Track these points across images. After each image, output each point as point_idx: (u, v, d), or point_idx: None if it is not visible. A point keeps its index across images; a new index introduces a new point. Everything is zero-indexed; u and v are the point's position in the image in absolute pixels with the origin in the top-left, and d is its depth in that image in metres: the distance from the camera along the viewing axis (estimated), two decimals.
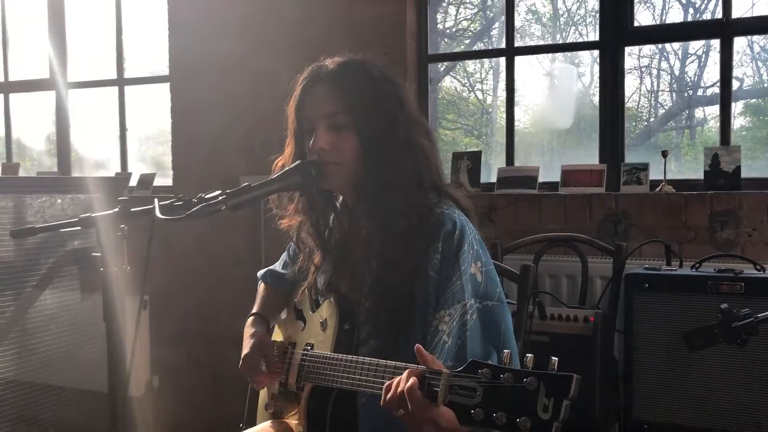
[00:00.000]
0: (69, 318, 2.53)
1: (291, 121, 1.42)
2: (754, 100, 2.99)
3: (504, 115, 3.09)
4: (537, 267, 2.56)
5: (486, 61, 3.39)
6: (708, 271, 2.21)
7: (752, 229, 2.50)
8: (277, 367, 1.46)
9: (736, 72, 2.80)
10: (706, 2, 2.95)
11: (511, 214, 2.85)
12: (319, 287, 1.48)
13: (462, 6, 3.49)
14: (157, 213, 1.25)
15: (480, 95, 3.52)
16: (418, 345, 1.12)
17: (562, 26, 3.28)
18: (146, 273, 1.30)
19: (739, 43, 2.79)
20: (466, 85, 3.54)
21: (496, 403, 0.98)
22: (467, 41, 3.48)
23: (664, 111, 3.15)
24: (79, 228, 1.44)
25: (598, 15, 2.90)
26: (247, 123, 3.33)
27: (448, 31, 3.53)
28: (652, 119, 3.17)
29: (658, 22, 2.97)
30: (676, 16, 2.99)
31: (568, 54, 3.17)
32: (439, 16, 3.44)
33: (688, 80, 3.07)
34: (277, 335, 1.61)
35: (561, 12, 3.27)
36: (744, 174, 2.61)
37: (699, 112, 3.08)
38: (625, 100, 2.92)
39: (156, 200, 1.28)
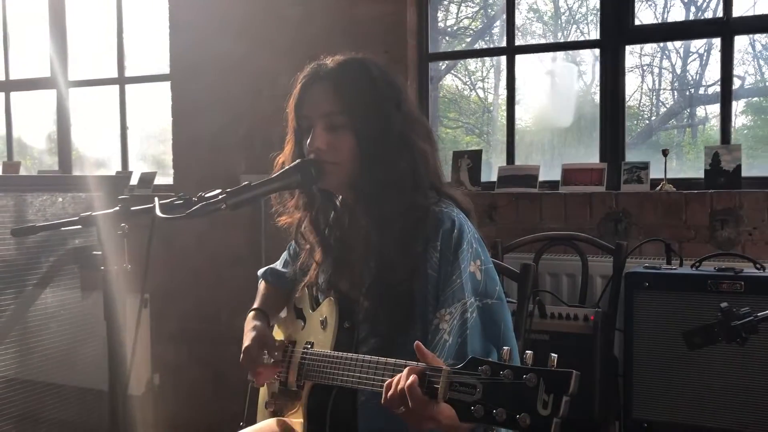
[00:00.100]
0: (70, 316, 2.54)
1: (290, 119, 1.42)
2: (755, 98, 2.99)
3: (505, 114, 3.09)
4: (537, 266, 2.57)
5: (487, 59, 3.39)
6: (708, 270, 2.21)
7: (753, 228, 2.50)
8: (278, 358, 1.46)
9: (738, 71, 2.80)
10: (707, 0, 2.95)
11: (511, 213, 2.85)
12: (320, 284, 1.48)
13: (463, 4, 3.49)
14: (158, 212, 1.25)
15: (481, 93, 3.52)
16: (417, 342, 1.13)
17: (564, 24, 3.28)
18: (147, 271, 1.30)
19: (741, 41, 2.79)
20: (468, 83, 3.54)
21: (495, 399, 0.98)
22: (468, 39, 3.48)
23: (665, 109, 3.15)
24: (79, 227, 1.44)
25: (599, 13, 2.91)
26: (247, 122, 3.33)
27: (449, 29, 3.53)
28: (653, 118, 3.17)
29: (659, 20, 2.97)
30: (677, 13, 2.99)
31: (570, 52, 3.17)
32: (440, 15, 3.44)
33: (690, 79, 3.07)
34: (277, 334, 1.61)
35: (562, 10, 3.27)
36: (745, 172, 2.61)
37: (701, 111, 3.08)
38: (627, 99, 2.92)
39: (156, 199, 1.28)
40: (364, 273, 1.38)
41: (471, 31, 3.50)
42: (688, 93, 3.08)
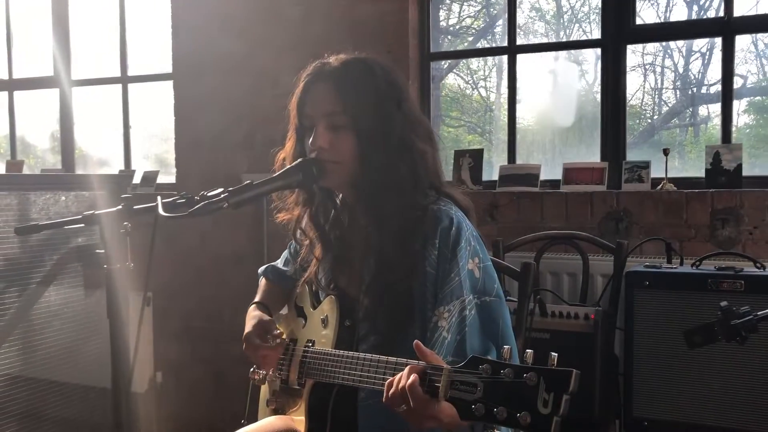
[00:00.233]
0: (73, 314, 2.54)
1: (293, 116, 1.43)
2: (757, 97, 2.99)
3: (507, 113, 3.09)
4: (538, 264, 2.57)
5: (489, 58, 3.40)
6: (708, 269, 2.21)
7: (753, 227, 2.50)
8: (280, 338, 1.45)
9: (740, 70, 2.80)
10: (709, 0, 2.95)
11: (512, 212, 2.85)
12: (320, 281, 1.49)
13: (465, 3, 3.50)
14: (160, 210, 1.25)
15: (483, 92, 3.52)
16: (416, 341, 1.13)
17: (566, 23, 3.28)
18: (150, 270, 1.31)
19: (744, 40, 2.78)
20: (470, 82, 3.55)
21: (496, 398, 0.99)
22: (470, 38, 3.48)
23: (667, 108, 3.15)
24: (82, 225, 1.45)
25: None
26: (249, 121, 3.34)
27: (451, 28, 3.53)
28: (655, 117, 3.16)
29: (661, 19, 2.97)
30: (680, 12, 2.98)
31: (572, 51, 3.17)
32: (443, 13, 3.45)
33: (692, 78, 3.07)
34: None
35: (564, 9, 3.27)
36: (747, 171, 2.62)
37: (703, 110, 3.08)
38: (629, 98, 2.93)
39: (159, 198, 1.28)
40: (364, 271, 1.39)
41: (473, 30, 3.50)
42: (690, 92, 3.08)
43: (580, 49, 3.15)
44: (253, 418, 1.62)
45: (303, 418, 1.44)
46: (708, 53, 2.98)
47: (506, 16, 3.07)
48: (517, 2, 3.06)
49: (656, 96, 3.15)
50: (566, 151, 3.15)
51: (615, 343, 2.40)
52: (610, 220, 2.70)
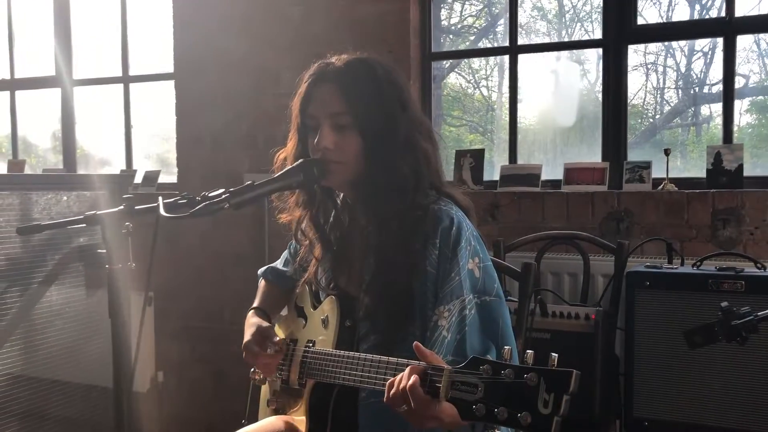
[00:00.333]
0: (74, 314, 2.55)
1: (295, 116, 1.43)
2: (760, 97, 2.98)
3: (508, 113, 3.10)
4: (539, 264, 2.57)
5: (491, 57, 3.40)
6: (709, 269, 2.21)
7: (754, 228, 2.50)
8: (279, 345, 1.46)
9: (742, 69, 2.80)
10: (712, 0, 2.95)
11: (513, 212, 2.86)
12: (320, 281, 1.49)
13: (467, 2, 3.50)
14: (162, 211, 1.26)
15: (485, 92, 3.52)
16: (416, 342, 1.14)
17: (568, 23, 3.28)
18: (151, 270, 1.31)
19: (746, 40, 2.78)
20: (471, 81, 3.55)
21: (497, 398, 1.00)
22: (472, 38, 3.48)
23: (669, 108, 3.15)
24: (84, 225, 1.45)
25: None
26: (250, 120, 3.35)
27: (453, 27, 3.53)
28: (657, 116, 3.16)
29: (664, 19, 2.97)
30: (682, 11, 2.98)
31: (574, 51, 3.17)
32: (444, 13, 3.45)
33: (694, 77, 3.07)
34: (278, 332, 1.62)
35: (566, 8, 3.27)
36: (749, 171, 2.62)
37: (705, 110, 3.08)
38: (631, 97, 2.92)
39: (160, 198, 1.29)
40: (364, 270, 1.39)
41: (475, 30, 3.50)
42: (692, 91, 3.07)
43: (580, 50, 3.15)
44: (254, 418, 1.62)
45: (303, 418, 1.45)
46: (710, 52, 2.98)
47: (507, 15, 3.07)
48: (519, 2, 3.05)
49: (658, 95, 3.15)
50: (567, 151, 3.15)
51: (616, 344, 2.40)
52: (611, 221, 2.70)
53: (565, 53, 3.18)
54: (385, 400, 1.14)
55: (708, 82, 3.00)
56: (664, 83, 3.12)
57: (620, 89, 2.88)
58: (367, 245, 1.40)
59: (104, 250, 1.39)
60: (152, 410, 3.45)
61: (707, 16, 2.92)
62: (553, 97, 3.26)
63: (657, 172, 2.71)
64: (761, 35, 2.81)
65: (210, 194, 1.27)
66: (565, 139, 3.20)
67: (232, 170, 3.33)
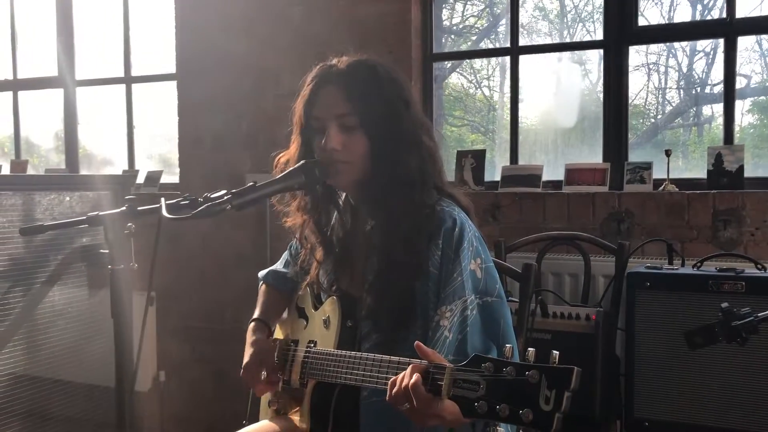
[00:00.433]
0: (77, 314, 2.56)
1: (298, 119, 1.44)
2: (762, 97, 2.98)
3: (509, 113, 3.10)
4: (540, 265, 2.57)
5: (493, 57, 3.40)
6: (709, 270, 2.21)
7: (755, 229, 2.50)
8: (276, 377, 1.49)
9: (745, 69, 2.80)
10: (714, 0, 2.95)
11: (514, 213, 2.86)
12: (322, 283, 1.50)
13: (469, 2, 3.50)
14: (164, 212, 1.26)
15: (487, 92, 3.52)
16: (417, 341, 1.14)
17: (569, 23, 3.28)
18: (153, 270, 1.32)
19: (748, 40, 2.78)
20: (473, 81, 3.55)
21: (499, 395, 1.00)
22: (474, 38, 3.49)
23: (671, 108, 3.15)
24: (87, 226, 1.46)
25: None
26: (252, 120, 3.35)
27: (454, 27, 3.54)
28: (659, 116, 3.16)
29: (665, 18, 2.97)
30: (684, 11, 2.98)
31: (575, 51, 3.17)
32: (446, 13, 3.45)
33: (696, 77, 3.07)
34: (279, 333, 1.63)
35: (568, 8, 3.27)
36: (751, 172, 2.62)
37: (707, 110, 3.07)
38: (632, 97, 2.92)
39: (162, 199, 1.29)
40: (367, 270, 1.40)
41: (476, 30, 3.50)
42: (694, 91, 3.07)
43: (581, 51, 3.15)
44: (255, 419, 1.63)
45: (305, 418, 1.45)
46: (712, 53, 2.97)
47: (509, 16, 3.08)
48: (520, 2, 3.06)
49: (660, 95, 3.15)
50: (568, 152, 3.16)
51: (616, 344, 2.40)
52: (612, 221, 2.70)
53: (566, 54, 3.18)
54: (387, 398, 1.14)
55: (710, 82, 3.00)
56: (666, 83, 3.12)
57: (621, 90, 2.88)
58: (370, 246, 1.40)
59: (107, 251, 1.40)
60: (154, 410, 3.46)
61: (709, 17, 2.92)
62: (555, 97, 3.26)
63: (658, 172, 2.71)
64: (763, 36, 2.81)
65: (212, 195, 1.28)
66: (566, 139, 3.20)
67: (233, 170, 3.34)
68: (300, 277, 1.57)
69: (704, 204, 2.57)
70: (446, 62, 3.37)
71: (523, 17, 3.12)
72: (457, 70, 3.50)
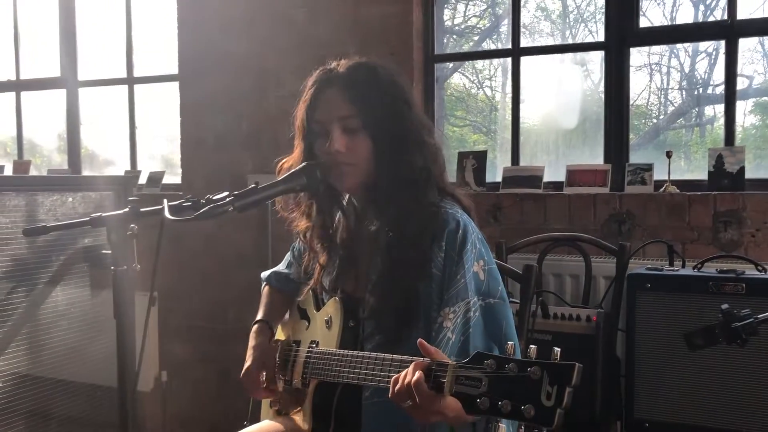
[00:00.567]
0: (80, 314, 2.57)
1: (300, 123, 1.44)
2: (764, 98, 2.98)
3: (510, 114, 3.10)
4: (541, 266, 2.58)
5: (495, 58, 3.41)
6: (710, 271, 2.21)
7: (756, 230, 2.51)
8: (275, 384, 1.51)
9: (747, 70, 2.80)
10: (716, 0, 2.94)
11: (515, 214, 2.86)
12: (325, 286, 1.51)
13: (471, 3, 3.50)
14: (167, 213, 1.27)
15: (488, 92, 3.53)
16: (420, 339, 1.15)
17: (571, 23, 3.28)
18: (155, 271, 1.33)
19: (750, 40, 2.77)
20: (475, 81, 3.56)
21: (501, 391, 1.00)
22: (476, 38, 3.49)
23: (673, 108, 3.15)
24: (90, 227, 1.47)
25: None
26: (253, 121, 3.36)
27: (456, 27, 3.54)
28: (661, 117, 3.16)
29: (668, 19, 2.97)
30: (686, 12, 2.98)
31: (577, 52, 3.18)
32: (448, 13, 3.45)
33: (698, 78, 3.07)
34: (281, 334, 1.63)
35: (570, 9, 3.27)
36: (753, 172, 2.61)
37: (709, 110, 3.07)
38: (634, 98, 2.92)
39: (165, 201, 1.30)
40: (370, 271, 1.40)
41: (478, 30, 3.51)
42: (696, 92, 3.07)
43: (582, 52, 3.15)
44: (256, 419, 1.63)
45: (306, 418, 1.46)
46: (714, 53, 2.97)
47: (511, 17, 3.08)
48: (522, 2, 3.06)
49: (662, 96, 3.15)
50: (569, 153, 3.16)
51: (617, 345, 2.40)
52: (613, 222, 2.71)
53: (568, 55, 3.18)
54: (389, 395, 1.15)
55: (712, 82, 3.00)
56: (668, 84, 3.12)
57: (622, 92, 2.88)
58: (375, 247, 1.41)
59: (109, 252, 1.40)
60: (156, 410, 3.46)
61: (711, 18, 2.92)
62: (556, 98, 3.26)
63: (659, 173, 2.72)
64: (766, 37, 2.81)
65: (214, 197, 1.28)
66: (567, 140, 3.21)
67: (235, 171, 3.35)
68: (303, 279, 1.58)
69: (705, 205, 2.57)
70: (448, 63, 3.38)
71: (525, 17, 3.12)
72: (459, 70, 3.51)
